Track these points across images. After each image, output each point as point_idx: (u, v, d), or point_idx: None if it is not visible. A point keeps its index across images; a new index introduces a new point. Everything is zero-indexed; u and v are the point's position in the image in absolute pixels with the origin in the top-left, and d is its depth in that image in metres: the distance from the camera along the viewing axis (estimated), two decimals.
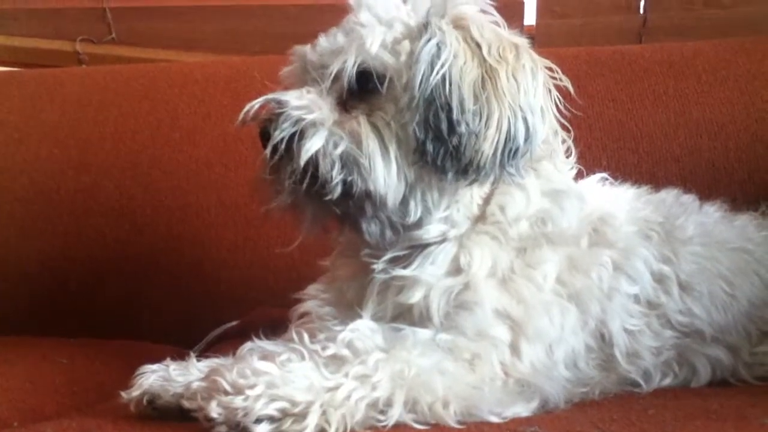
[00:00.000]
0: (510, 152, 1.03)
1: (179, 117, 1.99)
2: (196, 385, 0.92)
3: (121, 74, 2.12)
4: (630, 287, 1.16)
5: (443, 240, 1.09)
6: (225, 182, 1.91)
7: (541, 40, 2.26)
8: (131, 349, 1.65)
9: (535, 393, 1.02)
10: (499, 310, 1.05)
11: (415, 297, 1.06)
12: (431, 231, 1.09)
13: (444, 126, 1.01)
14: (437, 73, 1.02)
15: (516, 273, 1.07)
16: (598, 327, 1.13)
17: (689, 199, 1.35)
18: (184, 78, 2.06)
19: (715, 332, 1.21)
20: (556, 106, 1.12)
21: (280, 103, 1.06)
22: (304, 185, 1.03)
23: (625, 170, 1.76)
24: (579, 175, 1.23)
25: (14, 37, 2.55)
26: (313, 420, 0.85)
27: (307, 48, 1.13)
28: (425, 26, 1.06)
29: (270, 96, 1.08)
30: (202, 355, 1.05)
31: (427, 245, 1.10)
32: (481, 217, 1.11)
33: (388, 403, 0.90)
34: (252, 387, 0.87)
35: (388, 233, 1.08)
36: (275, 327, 1.13)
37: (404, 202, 1.06)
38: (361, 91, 1.07)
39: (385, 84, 1.05)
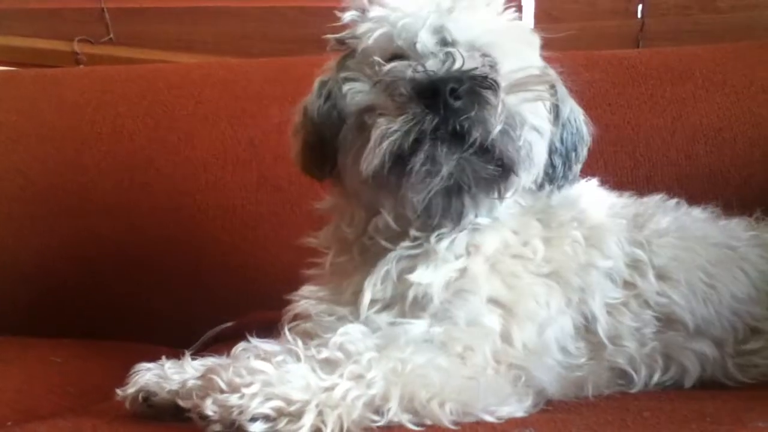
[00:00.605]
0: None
1: (176, 118, 1.99)
2: (191, 383, 0.92)
3: (119, 75, 2.12)
4: (604, 262, 1.19)
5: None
6: (222, 184, 1.92)
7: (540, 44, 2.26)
8: (127, 350, 1.64)
9: (528, 386, 1.03)
10: (491, 297, 1.08)
11: (426, 275, 1.09)
12: (482, 221, 1.14)
13: (571, 147, 1.17)
14: (569, 104, 1.17)
15: (507, 253, 1.12)
16: (581, 304, 1.16)
17: (672, 202, 1.37)
18: (182, 79, 2.06)
19: (698, 323, 1.22)
20: None
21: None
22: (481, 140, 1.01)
23: (622, 174, 1.77)
24: None
25: (12, 36, 2.55)
26: (308, 419, 0.85)
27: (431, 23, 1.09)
28: None
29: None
30: (197, 355, 1.05)
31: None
32: None
33: (384, 400, 0.90)
34: (248, 385, 0.87)
35: (469, 217, 1.11)
36: (271, 328, 1.13)
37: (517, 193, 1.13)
38: None
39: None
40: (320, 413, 0.86)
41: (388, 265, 1.12)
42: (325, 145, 1.14)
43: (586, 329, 1.17)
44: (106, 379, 1.08)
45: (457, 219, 1.10)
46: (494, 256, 1.12)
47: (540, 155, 1.11)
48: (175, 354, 1.05)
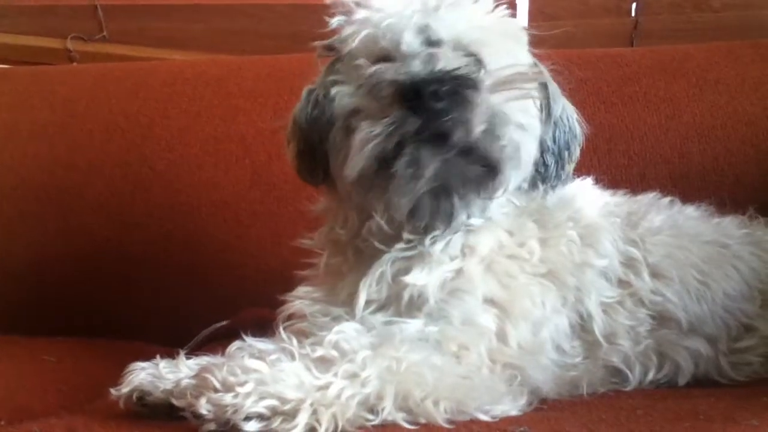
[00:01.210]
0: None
1: (170, 116, 1.98)
2: (185, 382, 0.92)
3: (112, 72, 2.12)
4: (599, 261, 1.19)
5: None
6: (215, 181, 1.91)
7: (532, 42, 2.26)
8: (120, 349, 1.64)
9: (523, 385, 1.04)
10: (486, 296, 1.08)
11: (421, 277, 1.08)
12: (475, 222, 1.14)
13: (563, 145, 1.17)
14: (561, 102, 1.17)
15: (503, 253, 1.12)
16: (576, 303, 1.16)
17: (666, 201, 1.38)
18: (175, 77, 2.06)
19: (691, 321, 1.23)
20: None
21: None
22: (463, 140, 1.00)
23: (616, 172, 1.77)
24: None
25: (4, 33, 2.53)
26: (303, 418, 0.85)
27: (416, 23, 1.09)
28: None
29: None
30: (192, 354, 1.05)
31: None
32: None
33: (379, 399, 0.90)
34: (242, 384, 0.86)
35: (460, 218, 1.11)
36: (265, 327, 1.13)
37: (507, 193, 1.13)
38: None
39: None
40: (314, 412, 0.86)
41: (383, 267, 1.12)
42: (316, 151, 1.14)
43: (582, 328, 1.18)
44: (99, 378, 1.08)
45: (448, 220, 1.09)
46: (489, 257, 1.12)
47: (529, 154, 1.10)
48: (170, 353, 1.05)
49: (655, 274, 1.23)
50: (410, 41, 1.06)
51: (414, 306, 1.08)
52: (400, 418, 0.91)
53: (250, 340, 1.01)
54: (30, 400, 1.27)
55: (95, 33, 2.51)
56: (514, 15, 1.20)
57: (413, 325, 1.04)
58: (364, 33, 1.10)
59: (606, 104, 1.84)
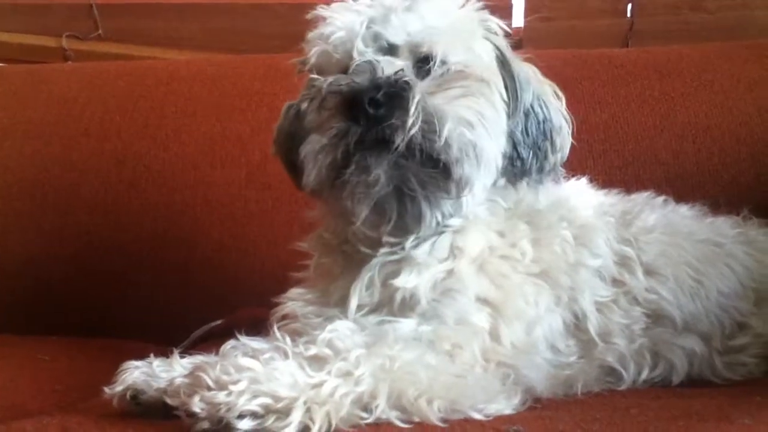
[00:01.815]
0: (562, 159, 1.19)
1: (165, 115, 1.98)
2: (179, 381, 0.92)
3: (108, 71, 2.12)
4: (593, 260, 1.20)
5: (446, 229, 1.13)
6: (211, 180, 1.91)
7: (528, 42, 2.27)
8: (115, 348, 1.63)
9: (517, 384, 1.04)
10: (479, 296, 1.08)
11: (410, 279, 1.08)
12: (454, 222, 1.13)
13: (539, 137, 1.15)
14: (532, 91, 1.16)
15: (495, 254, 1.12)
16: (571, 303, 1.17)
17: (660, 200, 1.38)
18: (170, 76, 2.06)
19: (685, 318, 1.23)
20: None
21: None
22: (410, 144, 1.01)
23: (611, 172, 1.78)
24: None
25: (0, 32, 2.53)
26: (296, 416, 0.85)
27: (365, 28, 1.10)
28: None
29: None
30: (186, 353, 1.05)
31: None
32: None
33: (372, 398, 0.90)
34: (235, 383, 0.86)
35: (431, 219, 1.10)
36: (260, 326, 1.13)
37: (475, 191, 1.11)
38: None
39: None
40: (308, 410, 0.86)
41: (372, 272, 1.12)
42: (297, 165, 1.15)
43: (577, 327, 1.18)
44: (93, 377, 1.08)
45: (418, 221, 1.09)
46: (481, 257, 1.12)
47: (488, 150, 1.09)
48: (164, 352, 1.05)
49: (649, 272, 1.23)
50: (362, 50, 1.08)
51: (407, 307, 1.08)
52: (393, 416, 0.91)
53: (243, 339, 1.01)
54: (24, 399, 1.27)
55: (90, 32, 2.50)
56: (510, 15, 1.20)
57: (406, 325, 1.04)
58: (316, 49, 1.13)
59: (601, 104, 1.84)
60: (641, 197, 1.38)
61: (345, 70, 1.08)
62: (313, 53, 1.13)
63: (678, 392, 1.18)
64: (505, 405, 1.00)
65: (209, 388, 0.87)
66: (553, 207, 1.22)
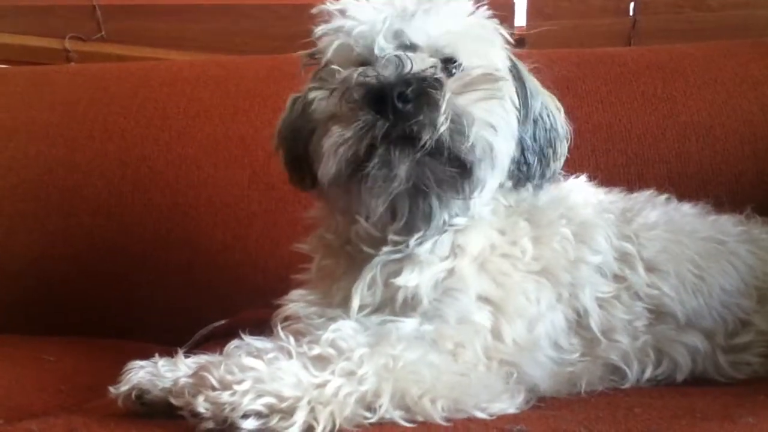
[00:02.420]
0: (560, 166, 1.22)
1: (169, 116, 1.99)
2: (183, 380, 0.92)
3: (111, 72, 2.12)
4: (593, 257, 1.20)
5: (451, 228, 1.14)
6: (214, 181, 1.92)
7: (531, 41, 2.27)
8: (119, 348, 1.64)
9: (520, 383, 1.04)
10: (480, 294, 1.09)
11: (412, 278, 1.09)
12: (459, 221, 1.14)
13: (545, 144, 1.18)
14: (540, 101, 1.18)
15: (495, 252, 1.13)
16: (572, 299, 1.17)
17: (662, 198, 1.38)
18: (174, 77, 2.06)
19: (688, 315, 1.23)
20: None
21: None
22: (434, 141, 1.01)
23: (614, 172, 1.77)
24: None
25: (3, 33, 2.54)
26: (300, 416, 0.85)
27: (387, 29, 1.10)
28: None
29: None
30: (189, 353, 1.05)
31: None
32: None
33: (376, 397, 0.90)
34: (239, 382, 0.87)
35: (439, 218, 1.11)
36: (263, 326, 1.13)
37: (485, 192, 1.12)
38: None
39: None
40: (312, 410, 0.86)
41: (373, 271, 1.12)
42: (302, 159, 1.16)
43: (579, 324, 1.18)
44: (98, 377, 1.08)
45: (428, 220, 1.10)
46: (482, 256, 1.13)
47: (503, 153, 1.11)
48: (168, 352, 1.05)
49: (650, 268, 1.23)
50: (384, 47, 1.08)
51: (408, 307, 1.09)
52: (397, 416, 0.91)
53: (247, 338, 1.01)
54: (29, 400, 1.27)
55: (93, 33, 2.51)
56: (512, 15, 1.21)
57: (409, 324, 1.05)
58: (337, 42, 1.12)
59: (604, 104, 1.84)
60: (643, 195, 1.38)
61: (362, 65, 1.08)
62: (330, 45, 1.13)
63: (682, 391, 1.18)
64: (508, 404, 1.00)
65: (214, 388, 0.87)
66: (553, 205, 1.23)
